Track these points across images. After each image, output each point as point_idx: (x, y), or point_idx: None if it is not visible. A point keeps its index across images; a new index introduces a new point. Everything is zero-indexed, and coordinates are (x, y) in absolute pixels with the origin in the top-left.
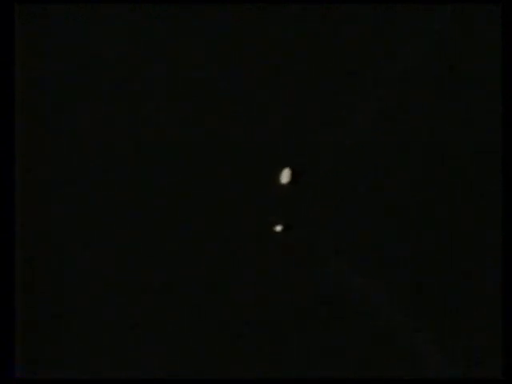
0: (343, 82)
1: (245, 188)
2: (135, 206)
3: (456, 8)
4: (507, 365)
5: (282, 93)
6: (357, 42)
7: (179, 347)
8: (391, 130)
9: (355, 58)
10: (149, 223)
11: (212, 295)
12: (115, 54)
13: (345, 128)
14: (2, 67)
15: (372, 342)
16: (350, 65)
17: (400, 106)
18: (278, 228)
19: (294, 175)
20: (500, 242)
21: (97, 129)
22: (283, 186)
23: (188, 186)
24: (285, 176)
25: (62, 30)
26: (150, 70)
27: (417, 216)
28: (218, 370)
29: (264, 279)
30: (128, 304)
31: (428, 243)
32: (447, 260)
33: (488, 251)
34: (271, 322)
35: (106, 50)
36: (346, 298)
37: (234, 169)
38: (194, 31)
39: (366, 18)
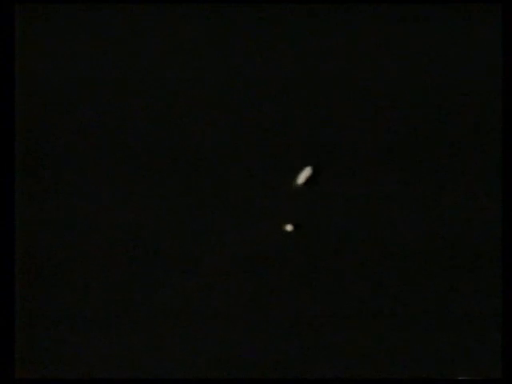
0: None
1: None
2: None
3: (456, 8)
4: (507, 365)
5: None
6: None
7: (179, 347)
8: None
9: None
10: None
11: (212, 296)
12: (115, 54)
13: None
14: (2, 66)
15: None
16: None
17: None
18: (289, 227)
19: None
20: (500, 241)
21: (96, 127)
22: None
23: (199, 188)
24: (303, 176)
25: (62, 30)
26: (150, 69)
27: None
28: (217, 370)
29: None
30: (128, 305)
31: (429, 243)
32: (448, 262)
33: (488, 251)
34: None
35: (105, 49)
36: None
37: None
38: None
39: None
